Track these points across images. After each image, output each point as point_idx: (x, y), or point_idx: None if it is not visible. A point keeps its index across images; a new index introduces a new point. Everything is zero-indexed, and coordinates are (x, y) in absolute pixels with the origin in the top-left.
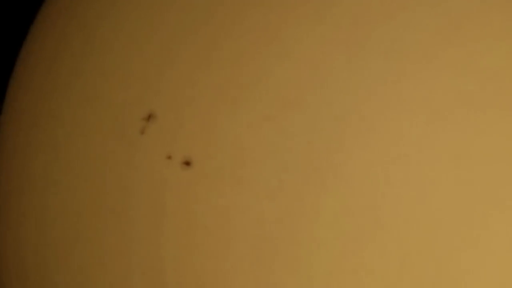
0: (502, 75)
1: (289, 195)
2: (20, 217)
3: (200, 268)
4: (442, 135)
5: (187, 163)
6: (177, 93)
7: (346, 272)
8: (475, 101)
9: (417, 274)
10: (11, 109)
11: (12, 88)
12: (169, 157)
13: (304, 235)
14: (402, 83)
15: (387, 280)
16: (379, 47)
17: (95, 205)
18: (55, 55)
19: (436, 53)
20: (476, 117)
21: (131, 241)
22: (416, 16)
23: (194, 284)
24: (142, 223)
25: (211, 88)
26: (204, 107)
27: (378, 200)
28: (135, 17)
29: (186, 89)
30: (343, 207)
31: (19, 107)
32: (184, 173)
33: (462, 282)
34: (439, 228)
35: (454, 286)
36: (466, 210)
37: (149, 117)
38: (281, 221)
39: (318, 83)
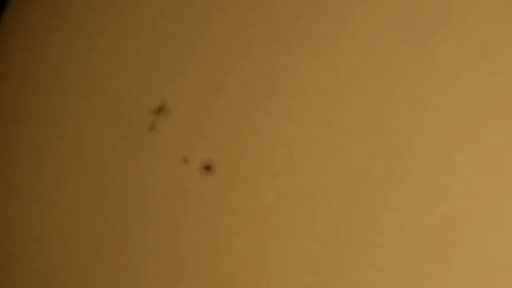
0: None
1: (335, 214)
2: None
3: None
4: None
5: (208, 168)
6: (196, 79)
7: None
8: None
9: None
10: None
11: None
12: (185, 160)
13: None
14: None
15: None
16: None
17: (95, 221)
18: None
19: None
20: None
21: (141, 268)
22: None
23: None
24: (152, 243)
25: (241, 73)
26: (232, 97)
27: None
28: None
29: (208, 74)
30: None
31: (11, 102)
32: (203, 180)
33: None
34: None
35: None
36: None
37: (160, 110)
38: (327, 245)
39: (367, 81)
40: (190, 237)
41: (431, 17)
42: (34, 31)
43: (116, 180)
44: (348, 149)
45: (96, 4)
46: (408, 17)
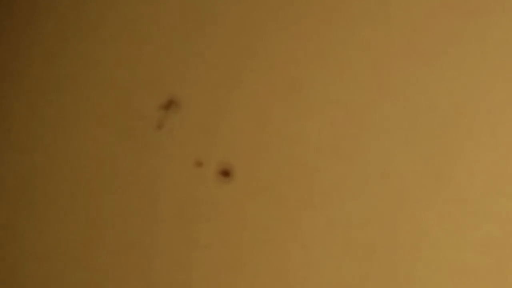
0: None
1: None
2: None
3: None
4: None
5: (225, 174)
6: (211, 68)
7: None
8: None
9: None
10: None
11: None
12: (199, 164)
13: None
14: None
15: None
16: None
17: (96, 231)
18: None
19: None
20: None
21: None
22: None
23: None
24: (162, 260)
25: (265, 61)
26: (253, 90)
27: None
28: None
29: (225, 62)
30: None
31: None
32: (220, 188)
33: None
34: None
35: None
36: None
37: (169, 105)
38: (361, 259)
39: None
40: (204, 252)
41: (484, 19)
42: (36, 22)
43: (119, 187)
44: (381, 153)
45: None
46: (460, 18)
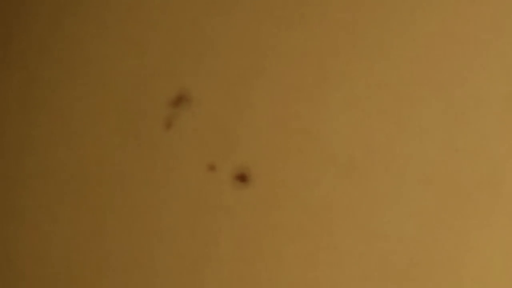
0: None
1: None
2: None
3: None
4: None
5: (242, 178)
6: (227, 62)
7: None
8: None
9: None
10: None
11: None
12: (212, 168)
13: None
14: None
15: None
16: None
17: (100, 240)
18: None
19: None
20: None
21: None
22: None
23: None
24: (173, 270)
25: (287, 54)
26: (273, 85)
27: None
28: None
29: (242, 54)
30: None
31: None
32: (236, 193)
33: None
34: None
35: None
36: None
37: (179, 101)
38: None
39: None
40: (218, 264)
41: None
42: (33, 11)
43: (124, 193)
44: (419, 157)
45: None
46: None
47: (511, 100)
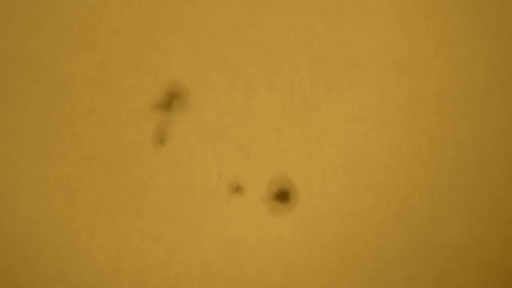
0: None
1: None
2: None
3: None
4: None
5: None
6: (226, 56)
7: None
8: None
9: None
10: None
11: None
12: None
13: None
14: None
15: None
16: None
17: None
18: None
19: None
20: None
21: None
22: None
23: None
24: None
25: (302, 48)
26: (283, 81)
27: None
28: None
29: (243, 48)
30: None
31: None
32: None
33: None
34: None
35: None
36: None
37: (171, 103)
38: None
39: None
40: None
41: None
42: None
43: (114, 214)
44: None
45: None
46: None
47: None
